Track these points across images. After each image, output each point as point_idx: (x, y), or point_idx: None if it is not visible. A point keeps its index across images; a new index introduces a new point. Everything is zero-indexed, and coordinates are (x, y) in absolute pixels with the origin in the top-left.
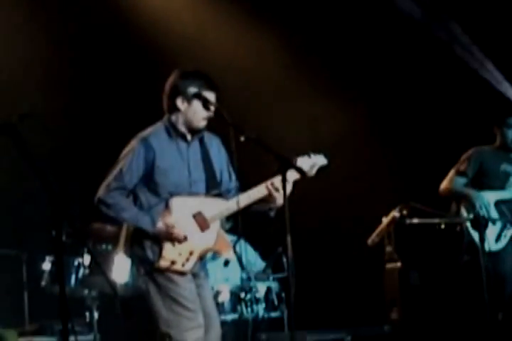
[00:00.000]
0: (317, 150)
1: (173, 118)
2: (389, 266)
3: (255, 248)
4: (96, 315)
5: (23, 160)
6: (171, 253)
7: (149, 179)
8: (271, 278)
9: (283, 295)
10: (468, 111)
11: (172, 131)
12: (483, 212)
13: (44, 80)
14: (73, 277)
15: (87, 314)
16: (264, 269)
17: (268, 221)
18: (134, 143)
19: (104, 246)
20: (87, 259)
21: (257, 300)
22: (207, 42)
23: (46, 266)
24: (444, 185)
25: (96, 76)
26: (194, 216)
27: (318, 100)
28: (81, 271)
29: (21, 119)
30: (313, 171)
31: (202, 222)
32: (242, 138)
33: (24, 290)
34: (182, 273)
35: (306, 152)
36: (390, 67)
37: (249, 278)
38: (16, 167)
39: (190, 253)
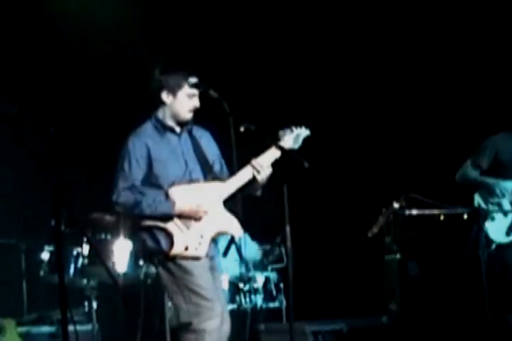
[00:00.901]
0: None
1: (160, 114)
2: (388, 257)
3: (254, 237)
4: (95, 304)
5: (23, 149)
6: (182, 240)
7: (149, 173)
8: (269, 268)
9: (281, 285)
10: (471, 100)
11: (160, 126)
12: (501, 200)
13: None
14: (72, 267)
15: (86, 303)
16: (261, 258)
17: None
18: (127, 143)
19: (103, 236)
20: (86, 249)
21: (256, 291)
22: None
23: (45, 255)
24: (459, 173)
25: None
26: (198, 200)
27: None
28: (80, 261)
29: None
30: (299, 143)
31: (206, 204)
32: (242, 129)
33: (23, 279)
34: (197, 258)
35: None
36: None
37: (247, 269)
38: (15, 156)
39: (202, 237)
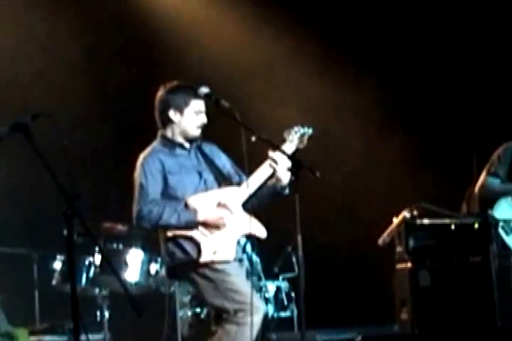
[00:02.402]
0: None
1: (168, 132)
2: (399, 266)
3: (264, 247)
4: (107, 314)
5: (36, 158)
6: (209, 245)
7: (166, 186)
8: (280, 277)
9: (293, 294)
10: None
11: (169, 143)
12: None
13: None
14: (84, 276)
15: (98, 313)
16: (272, 269)
17: (280, 197)
18: (140, 162)
19: (115, 245)
20: (98, 258)
21: (267, 300)
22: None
23: (57, 265)
24: (479, 187)
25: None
26: (217, 205)
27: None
28: (92, 270)
29: (33, 119)
30: (305, 142)
31: (227, 209)
32: (254, 138)
33: (35, 289)
34: (227, 261)
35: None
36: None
37: (259, 278)
38: (27, 166)
39: (227, 240)
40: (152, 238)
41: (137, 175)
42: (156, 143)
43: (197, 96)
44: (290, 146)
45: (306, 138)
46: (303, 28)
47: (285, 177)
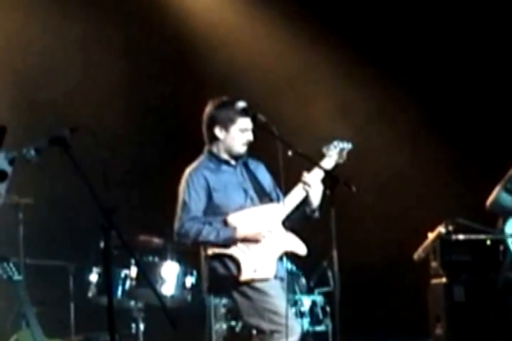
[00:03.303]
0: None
1: (214, 148)
2: (434, 281)
3: (300, 261)
4: (142, 326)
5: (75, 171)
6: (249, 263)
7: (210, 204)
8: (316, 292)
9: (328, 309)
10: None
11: (215, 159)
12: None
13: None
14: (120, 288)
15: (133, 325)
16: (307, 284)
17: (311, 221)
18: (185, 177)
19: (150, 258)
20: (133, 271)
21: (302, 314)
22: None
23: (93, 277)
24: (490, 201)
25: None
26: (257, 222)
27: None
28: (128, 283)
29: (72, 132)
30: (344, 157)
31: (266, 225)
32: (290, 153)
33: (70, 301)
34: (267, 279)
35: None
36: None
37: (294, 292)
38: (65, 179)
39: (268, 258)
40: (188, 251)
41: (181, 191)
42: (202, 159)
43: (244, 113)
44: (329, 161)
45: (345, 153)
46: (336, 37)
47: (316, 200)
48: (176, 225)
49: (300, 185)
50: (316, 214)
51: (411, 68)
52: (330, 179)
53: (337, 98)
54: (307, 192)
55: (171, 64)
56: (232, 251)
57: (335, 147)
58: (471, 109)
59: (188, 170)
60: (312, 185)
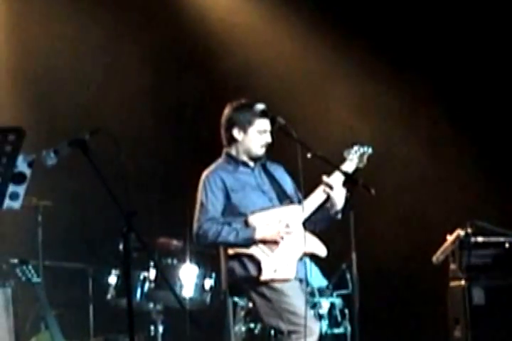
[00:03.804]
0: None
1: (233, 150)
2: (453, 283)
3: (318, 264)
4: (161, 328)
5: (94, 174)
6: (269, 264)
7: (229, 204)
8: (334, 294)
9: (346, 311)
10: None
11: (233, 161)
12: None
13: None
14: (139, 291)
15: (152, 328)
16: (327, 286)
17: (334, 222)
18: (202, 179)
19: (169, 260)
20: (152, 273)
21: (321, 316)
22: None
23: (112, 279)
24: None
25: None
26: (277, 223)
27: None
28: (146, 285)
29: (91, 135)
30: (364, 162)
31: (287, 226)
32: (309, 155)
33: (90, 303)
34: (287, 280)
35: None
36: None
37: (312, 294)
38: (84, 182)
39: (288, 259)
40: (207, 253)
41: (199, 193)
42: (220, 161)
43: (262, 115)
44: (350, 165)
45: (366, 157)
46: (355, 36)
47: (340, 202)
48: (195, 226)
49: (321, 188)
50: (339, 216)
51: (435, 67)
52: (349, 182)
53: (356, 98)
54: (328, 195)
55: (193, 65)
56: (252, 250)
57: (356, 151)
58: (494, 108)
59: (205, 173)
60: (334, 188)
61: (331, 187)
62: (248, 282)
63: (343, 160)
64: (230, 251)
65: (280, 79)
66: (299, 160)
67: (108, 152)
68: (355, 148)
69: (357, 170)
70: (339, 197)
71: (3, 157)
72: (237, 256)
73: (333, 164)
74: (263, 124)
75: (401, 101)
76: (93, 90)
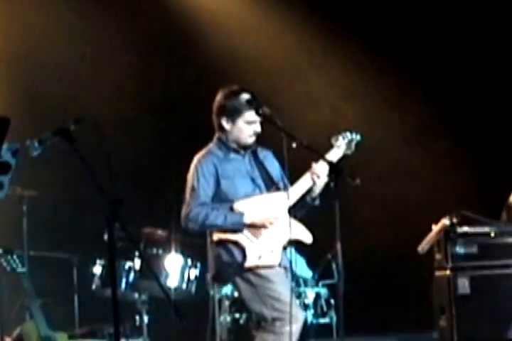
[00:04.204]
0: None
1: (223, 136)
2: (438, 273)
3: (303, 254)
4: (146, 318)
5: (79, 163)
6: (254, 250)
7: (218, 190)
8: (320, 284)
9: (332, 301)
10: None
11: (224, 147)
12: None
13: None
14: (124, 281)
15: (137, 318)
16: (312, 276)
17: (312, 209)
18: (194, 164)
19: (154, 250)
20: (137, 263)
21: (306, 306)
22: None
23: (97, 269)
24: None
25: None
26: (264, 210)
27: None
28: (131, 275)
29: (76, 123)
30: (353, 149)
31: (274, 213)
32: (294, 145)
33: (74, 293)
34: (272, 266)
35: (338, 131)
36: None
37: (298, 284)
38: (69, 170)
39: (273, 245)
40: (192, 243)
41: (190, 177)
42: (211, 145)
43: (251, 106)
44: (337, 152)
45: (353, 144)
46: (342, 27)
47: (318, 188)
48: (184, 211)
49: (308, 175)
50: (317, 202)
51: (422, 59)
52: (333, 170)
53: (344, 88)
54: (314, 182)
55: (179, 54)
56: (237, 237)
57: (343, 138)
58: (480, 95)
59: (197, 157)
60: (321, 175)
61: (317, 176)
62: (234, 268)
63: (330, 147)
64: (215, 238)
65: (268, 66)
66: (284, 149)
67: (93, 141)
68: (343, 134)
69: (344, 157)
70: (319, 184)
71: None
72: (223, 243)
73: (319, 153)
74: (252, 115)
75: (387, 88)
76: (79, 80)
